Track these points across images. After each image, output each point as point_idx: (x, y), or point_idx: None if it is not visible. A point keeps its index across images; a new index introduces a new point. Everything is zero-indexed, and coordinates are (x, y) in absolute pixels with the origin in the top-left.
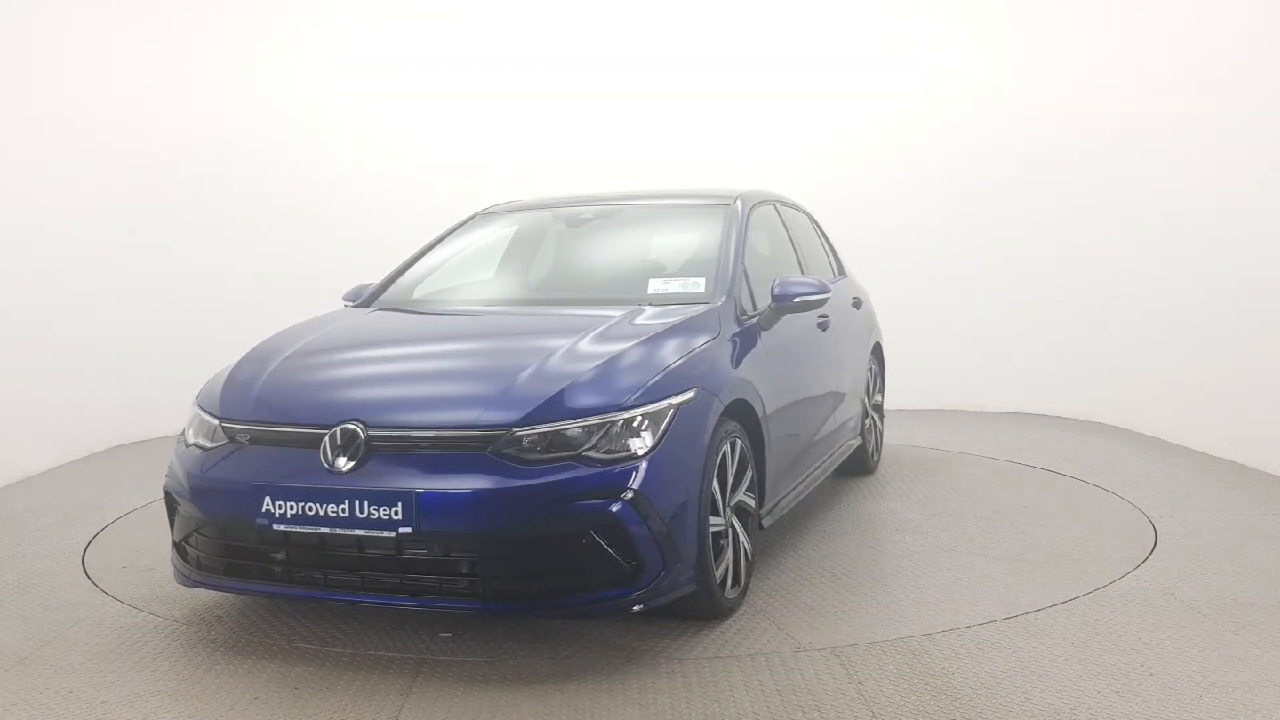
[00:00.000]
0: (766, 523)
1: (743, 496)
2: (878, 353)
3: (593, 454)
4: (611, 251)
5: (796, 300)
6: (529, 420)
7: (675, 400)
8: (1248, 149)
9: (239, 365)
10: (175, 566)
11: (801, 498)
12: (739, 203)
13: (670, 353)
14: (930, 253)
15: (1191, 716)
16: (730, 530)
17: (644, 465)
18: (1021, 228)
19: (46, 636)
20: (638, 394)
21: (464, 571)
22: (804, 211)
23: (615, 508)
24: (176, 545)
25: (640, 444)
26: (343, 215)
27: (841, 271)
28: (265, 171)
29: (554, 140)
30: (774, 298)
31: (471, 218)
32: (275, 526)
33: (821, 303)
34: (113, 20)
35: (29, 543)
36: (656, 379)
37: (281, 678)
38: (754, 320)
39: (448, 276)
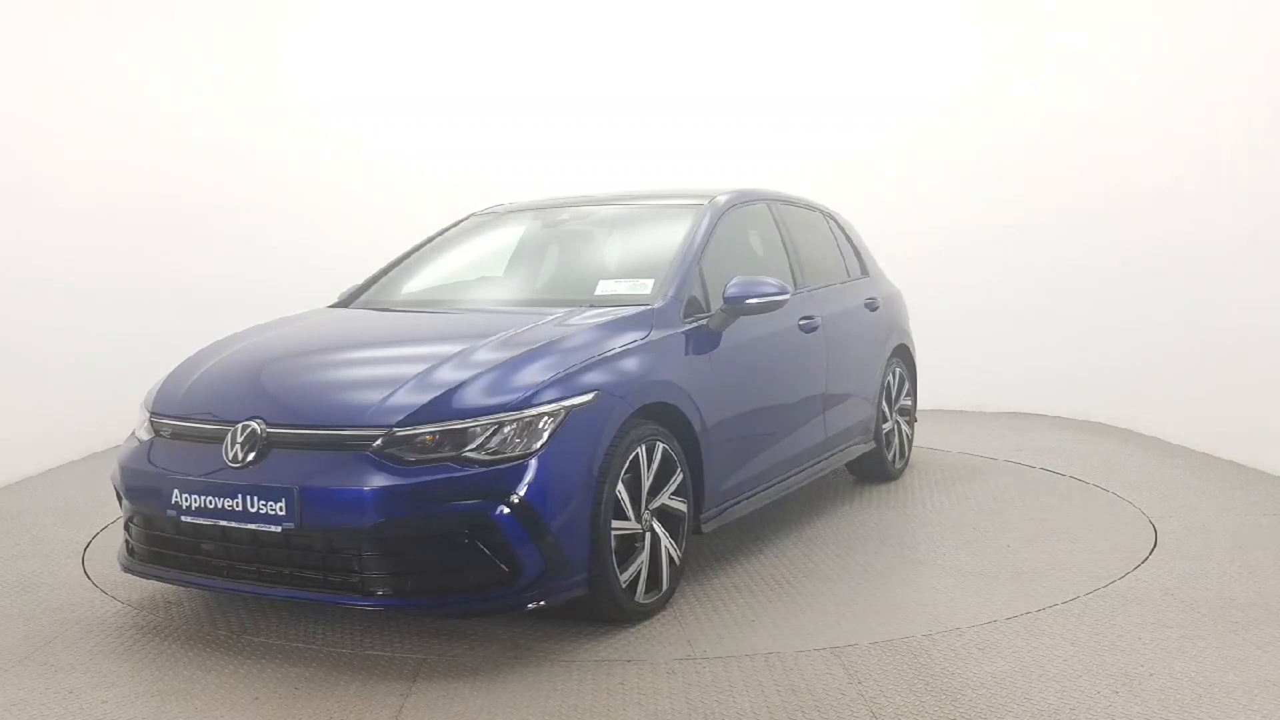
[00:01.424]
0: (708, 528)
1: (668, 501)
2: (903, 355)
3: (474, 455)
4: (581, 253)
5: (749, 302)
6: (411, 420)
7: (568, 402)
8: (1249, 152)
9: (182, 363)
10: (118, 554)
11: (768, 503)
12: (712, 202)
13: (576, 355)
14: (930, 254)
15: (1191, 716)
16: (649, 535)
17: (528, 467)
18: (1022, 229)
19: (46, 636)
20: (528, 396)
21: (350, 568)
22: (819, 210)
23: (491, 509)
24: (124, 533)
25: (526, 446)
26: (346, 216)
27: (863, 272)
28: (271, 171)
29: (564, 150)
30: (725, 299)
31: (465, 219)
32: (184, 519)
33: (780, 304)
34: (105, 20)
35: (29, 543)
36: (552, 381)
37: (281, 678)
38: (703, 322)
39: (431, 277)
